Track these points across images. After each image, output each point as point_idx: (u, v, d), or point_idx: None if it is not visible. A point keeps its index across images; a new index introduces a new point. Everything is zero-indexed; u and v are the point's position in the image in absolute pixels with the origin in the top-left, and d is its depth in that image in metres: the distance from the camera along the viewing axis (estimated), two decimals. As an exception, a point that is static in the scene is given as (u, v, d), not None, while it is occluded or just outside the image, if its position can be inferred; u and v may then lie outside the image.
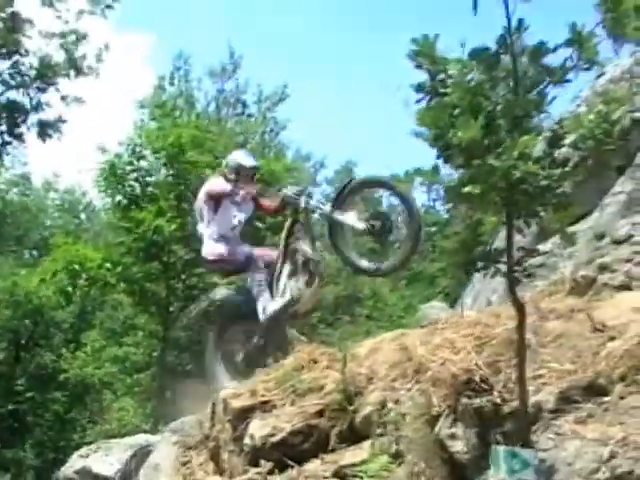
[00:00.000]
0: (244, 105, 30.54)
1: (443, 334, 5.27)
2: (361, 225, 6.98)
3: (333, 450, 5.20)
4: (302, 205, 7.32)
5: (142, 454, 7.70)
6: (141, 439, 8.55)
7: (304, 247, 7.25)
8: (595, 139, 3.26)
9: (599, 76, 11.01)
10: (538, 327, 5.08)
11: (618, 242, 8.27)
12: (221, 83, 30.50)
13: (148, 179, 18.52)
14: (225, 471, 6.01)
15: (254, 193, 7.86)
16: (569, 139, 3.33)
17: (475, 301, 9.40)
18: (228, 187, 7.57)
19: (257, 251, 7.69)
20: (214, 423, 6.36)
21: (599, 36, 3.31)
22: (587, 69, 3.35)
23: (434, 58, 3.34)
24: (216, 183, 7.82)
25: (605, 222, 9.29)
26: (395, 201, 8.13)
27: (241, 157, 7.89)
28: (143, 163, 18.49)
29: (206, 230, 7.70)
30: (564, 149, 3.70)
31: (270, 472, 5.28)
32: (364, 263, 7.20)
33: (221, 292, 7.91)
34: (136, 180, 18.29)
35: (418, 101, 3.42)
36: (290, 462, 5.21)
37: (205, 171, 15.75)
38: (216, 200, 7.62)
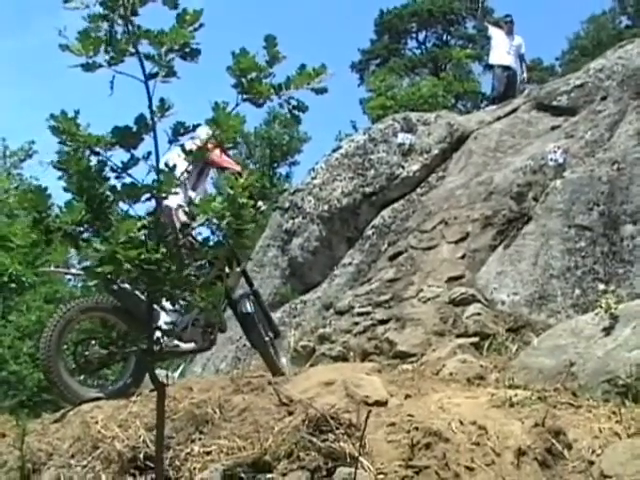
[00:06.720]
0: (-12, 162, 28.78)
1: (132, 408, 5.15)
2: None
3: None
4: None
5: None
6: None
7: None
8: (227, 222, 3.31)
9: (335, 150, 11.51)
10: (225, 401, 5.08)
11: (340, 313, 8.56)
12: (-39, 137, 28.54)
13: None
14: None
15: None
16: (200, 221, 3.35)
17: (204, 369, 9.35)
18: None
19: None
20: None
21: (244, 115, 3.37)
22: (230, 149, 3.42)
23: (74, 136, 3.27)
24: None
25: (333, 293, 9.63)
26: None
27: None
28: None
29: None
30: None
31: None
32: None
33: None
34: None
35: (60, 178, 3.34)
36: None
37: None
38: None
